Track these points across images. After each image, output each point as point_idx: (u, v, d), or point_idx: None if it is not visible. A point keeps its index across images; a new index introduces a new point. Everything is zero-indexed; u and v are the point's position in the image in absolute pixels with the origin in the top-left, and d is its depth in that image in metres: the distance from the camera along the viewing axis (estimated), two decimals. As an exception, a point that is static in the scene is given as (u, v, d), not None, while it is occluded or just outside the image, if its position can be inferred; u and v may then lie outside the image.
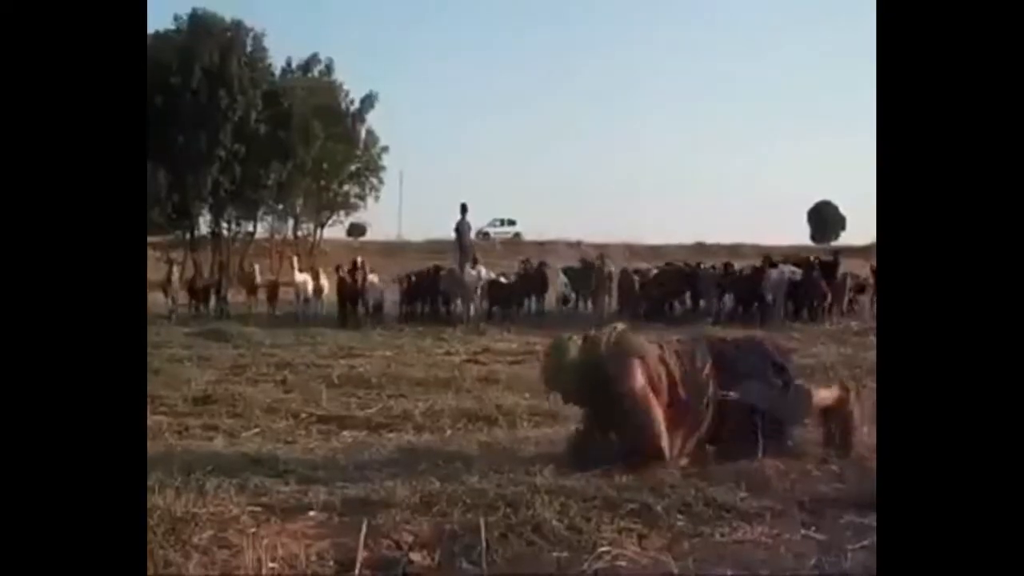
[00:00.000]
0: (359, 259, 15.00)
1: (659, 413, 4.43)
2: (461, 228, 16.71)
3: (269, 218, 30.61)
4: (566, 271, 16.67)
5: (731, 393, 4.59)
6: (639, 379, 4.44)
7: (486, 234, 41.57)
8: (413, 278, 14.94)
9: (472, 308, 14.00)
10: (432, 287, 14.68)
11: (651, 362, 4.54)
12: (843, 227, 42.10)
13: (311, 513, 3.77)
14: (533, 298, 15.65)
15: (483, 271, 15.36)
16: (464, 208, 16.74)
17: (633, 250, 29.24)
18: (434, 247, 28.93)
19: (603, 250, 15.52)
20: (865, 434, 5.09)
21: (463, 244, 16.44)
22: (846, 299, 14.54)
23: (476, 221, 43.38)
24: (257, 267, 16.22)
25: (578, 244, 19.70)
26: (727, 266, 15.37)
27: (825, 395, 4.87)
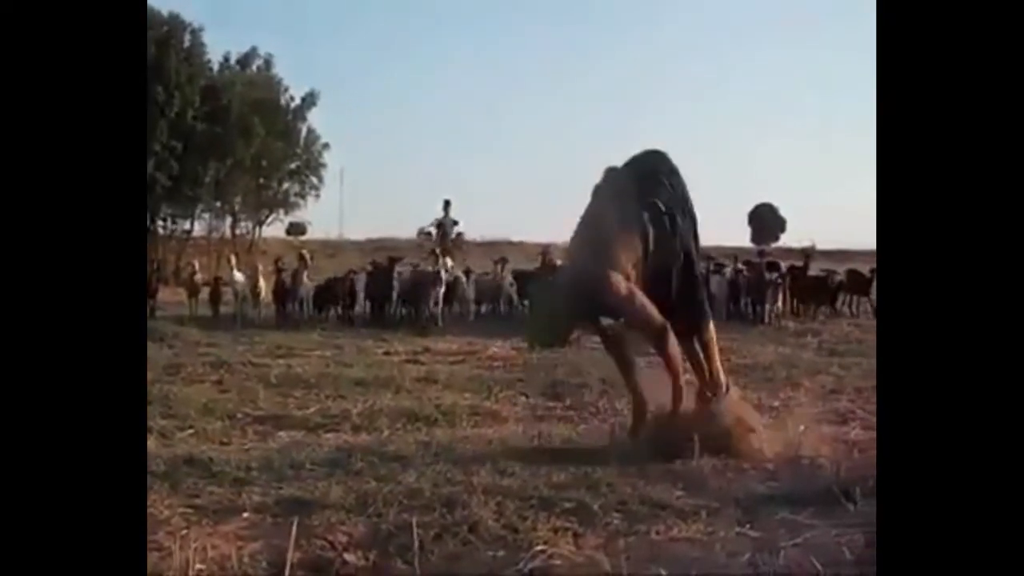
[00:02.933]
0: (306, 253, 14.59)
1: (646, 300, 4.84)
2: (443, 224, 16.37)
3: (207, 216, 30.05)
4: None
5: None
6: (623, 287, 4.76)
7: (428, 233, 41.42)
8: (360, 274, 14.18)
9: (439, 308, 13.40)
10: (387, 284, 13.77)
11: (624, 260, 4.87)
12: (783, 229, 42.70)
13: (244, 515, 3.73)
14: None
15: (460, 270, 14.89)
16: (447, 204, 16.44)
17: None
18: (376, 246, 28.71)
19: (546, 249, 15.42)
20: (800, 433, 5.20)
21: (445, 243, 16.35)
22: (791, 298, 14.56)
23: (417, 221, 43.31)
24: (196, 264, 15.81)
25: (520, 244, 19.61)
26: None
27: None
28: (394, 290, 13.68)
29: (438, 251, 15.01)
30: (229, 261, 15.53)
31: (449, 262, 14.55)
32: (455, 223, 17.47)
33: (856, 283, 14.83)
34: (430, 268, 14.02)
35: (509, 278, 14.72)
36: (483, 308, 14.93)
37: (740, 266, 14.45)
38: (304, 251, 14.93)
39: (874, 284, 13.94)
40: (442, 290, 13.44)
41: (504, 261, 15.37)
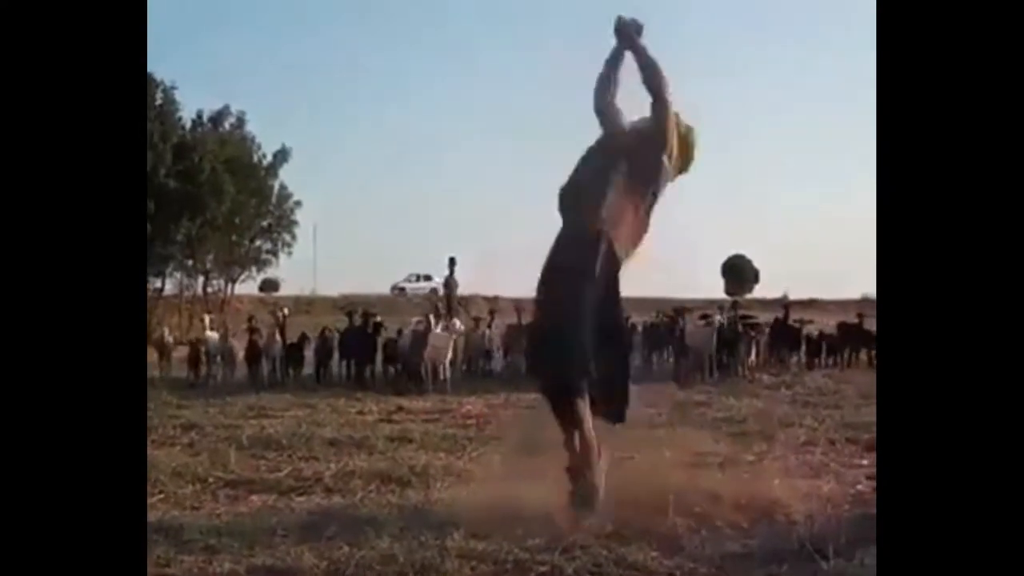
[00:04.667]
0: (280, 313, 14.36)
1: None
2: (449, 283, 16.21)
3: (178, 274, 29.87)
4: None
5: None
6: None
7: (402, 289, 41.37)
8: (333, 333, 13.89)
9: (444, 371, 12.46)
10: (365, 343, 13.39)
11: None
12: (757, 280, 42.96)
13: (215, 585, 3.68)
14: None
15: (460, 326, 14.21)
16: (452, 262, 16.07)
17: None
18: (349, 301, 28.62)
19: (519, 304, 15.37)
20: (775, 487, 5.21)
21: (450, 301, 15.91)
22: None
23: (391, 276, 43.35)
24: (166, 329, 15.57)
25: (495, 299, 19.62)
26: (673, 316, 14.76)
27: None
28: (377, 350, 13.38)
29: (442, 309, 14.71)
30: (203, 321, 15.35)
31: (457, 323, 14.06)
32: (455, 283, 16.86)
33: (849, 336, 14.73)
34: (436, 327, 13.26)
35: (491, 332, 14.31)
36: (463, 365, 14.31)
37: (722, 318, 14.28)
38: (280, 311, 14.64)
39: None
40: (450, 351, 12.74)
41: (492, 315, 15.07)
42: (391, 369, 13.54)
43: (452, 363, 12.84)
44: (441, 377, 12.34)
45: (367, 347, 13.45)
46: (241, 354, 13.38)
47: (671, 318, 14.60)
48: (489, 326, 14.54)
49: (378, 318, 14.11)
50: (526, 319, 14.85)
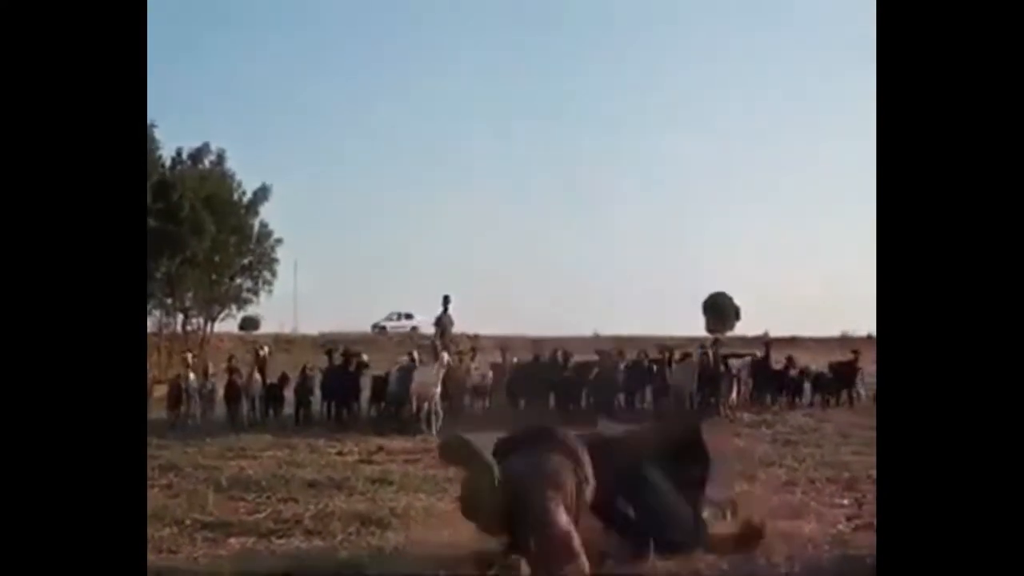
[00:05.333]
0: (262, 351, 14.23)
1: (575, 537, 4.42)
2: (442, 322, 15.48)
3: (157, 312, 29.65)
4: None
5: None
6: (562, 518, 4.43)
7: (382, 328, 41.21)
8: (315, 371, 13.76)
9: (436, 406, 12.25)
10: (348, 383, 13.19)
11: (567, 488, 4.55)
12: (738, 317, 43.26)
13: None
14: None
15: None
16: (447, 300, 15.62)
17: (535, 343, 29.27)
18: (330, 339, 28.51)
19: (503, 342, 15.29)
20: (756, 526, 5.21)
21: (444, 340, 15.17)
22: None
23: (372, 315, 43.21)
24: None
25: (476, 337, 19.52)
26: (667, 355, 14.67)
27: None
28: (360, 390, 13.26)
29: (439, 347, 14.28)
30: (185, 360, 15.14)
31: (445, 356, 13.74)
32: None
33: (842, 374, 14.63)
34: (430, 365, 13.17)
35: (473, 367, 14.22)
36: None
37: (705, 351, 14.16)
38: (261, 350, 14.51)
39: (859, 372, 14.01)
40: (438, 386, 12.54)
41: (474, 352, 14.97)
42: (374, 408, 13.45)
43: (443, 397, 12.69)
44: (431, 412, 12.17)
45: (349, 387, 13.34)
46: (221, 393, 13.28)
47: (655, 359, 14.52)
48: (472, 359, 14.46)
49: (364, 357, 13.98)
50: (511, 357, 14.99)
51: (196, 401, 13.33)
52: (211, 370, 13.88)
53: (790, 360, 14.94)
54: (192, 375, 13.67)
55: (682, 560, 4.64)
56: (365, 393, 13.45)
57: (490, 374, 14.34)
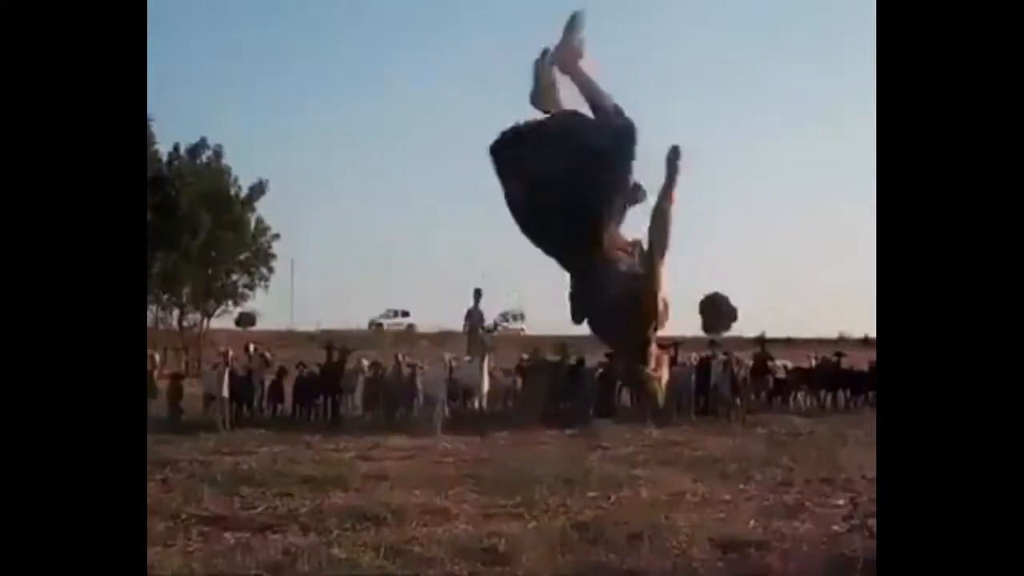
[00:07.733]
0: (267, 355, 14.06)
1: None
2: (472, 315, 14.95)
3: (154, 308, 29.56)
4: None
5: None
6: None
7: (379, 325, 41.21)
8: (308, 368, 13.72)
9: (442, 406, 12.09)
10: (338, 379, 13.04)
11: None
12: (734, 318, 43.11)
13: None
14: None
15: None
16: (478, 294, 14.99)
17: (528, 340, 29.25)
18: (327, 336, 28.44)
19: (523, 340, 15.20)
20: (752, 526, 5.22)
21: (473, 335, 14.80)
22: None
23: (368, 312, 43.24)
24: (157, 356, 15.25)
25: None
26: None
27: None
28: (358, 388, 13.11)
29: (481, 340, 14.15)
30: (224, 354, 14.81)
31: (447, 357, 13.37)
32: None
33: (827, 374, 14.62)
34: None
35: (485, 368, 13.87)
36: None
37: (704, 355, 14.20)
38: (265, 354, 14.34)
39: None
40: (444, 387, 12.45)
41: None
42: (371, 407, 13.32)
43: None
44: (438, 412, 12.05)
45: (339, 383, 13.23)
46: (225, 390, 13.18)
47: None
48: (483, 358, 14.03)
49: (366, 361, 13.83)
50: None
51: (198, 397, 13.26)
52: (212, 365, 13.78)
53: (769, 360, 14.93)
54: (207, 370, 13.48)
55: (678, 560, 4.64)
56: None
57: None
